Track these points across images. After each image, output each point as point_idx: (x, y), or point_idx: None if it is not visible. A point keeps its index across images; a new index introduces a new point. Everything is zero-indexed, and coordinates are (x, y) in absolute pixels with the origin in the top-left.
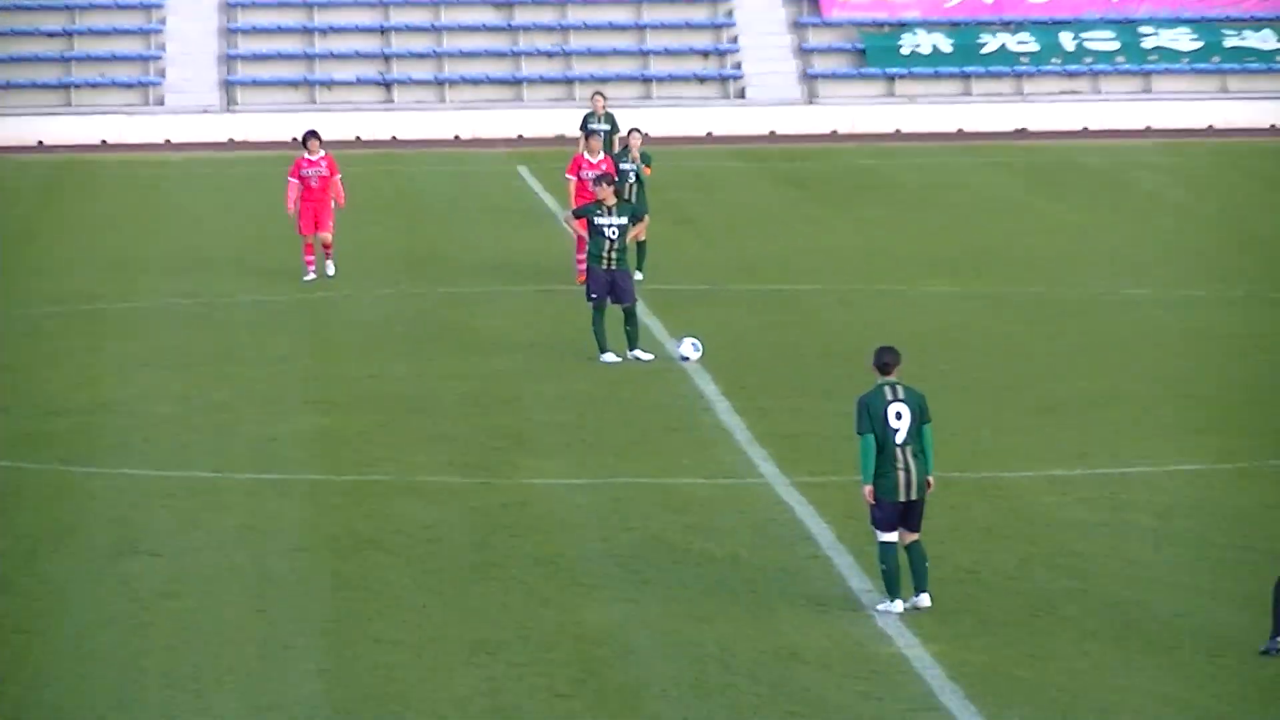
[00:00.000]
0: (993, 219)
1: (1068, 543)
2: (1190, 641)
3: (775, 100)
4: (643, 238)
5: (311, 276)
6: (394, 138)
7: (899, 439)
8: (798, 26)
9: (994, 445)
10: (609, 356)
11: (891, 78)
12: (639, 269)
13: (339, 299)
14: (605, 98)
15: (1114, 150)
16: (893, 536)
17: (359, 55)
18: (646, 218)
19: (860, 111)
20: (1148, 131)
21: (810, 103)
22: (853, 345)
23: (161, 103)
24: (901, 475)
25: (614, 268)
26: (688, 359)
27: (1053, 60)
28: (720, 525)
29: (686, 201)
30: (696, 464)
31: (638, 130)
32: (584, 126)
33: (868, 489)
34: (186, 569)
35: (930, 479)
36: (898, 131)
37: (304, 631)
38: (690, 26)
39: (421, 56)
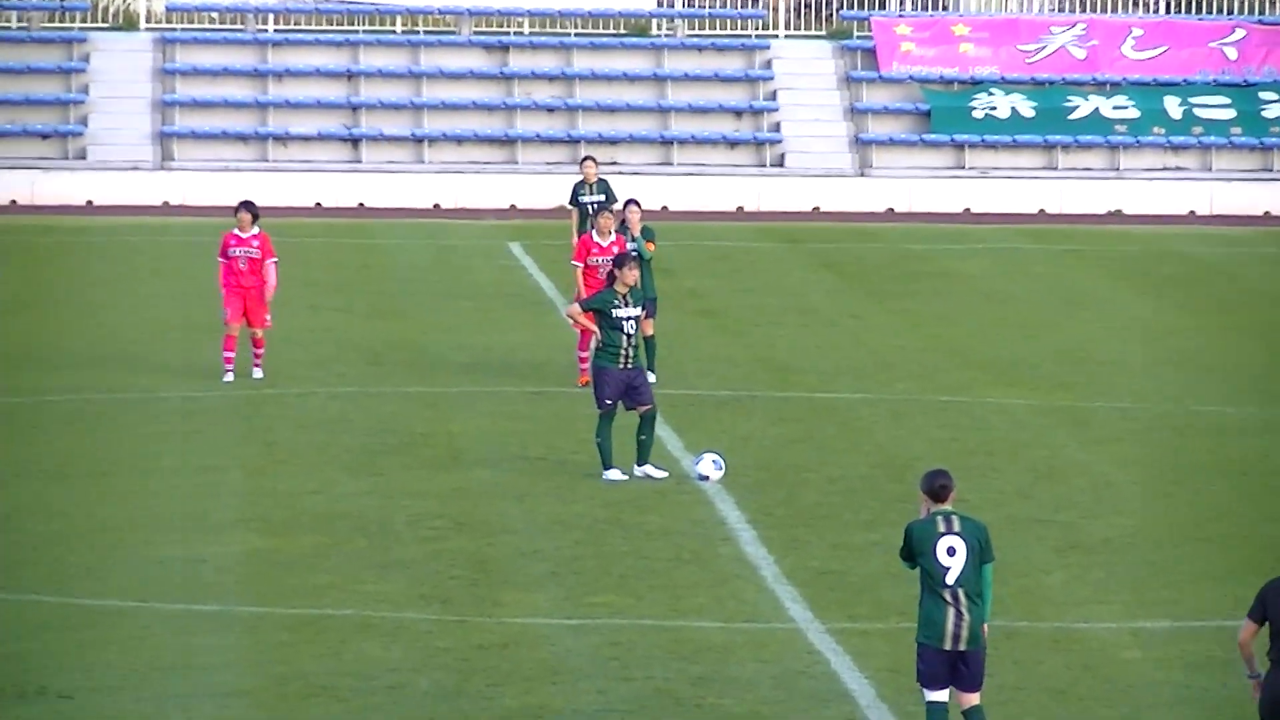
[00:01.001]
0: (1075, 318)
1: (1155, 711)
2: None
3: (820, 170)
4: (649, 332)
5: (229, 378)
6: (361, 204)
7: (950, 578)
8: (850, 82)
9: (1068, 589)
10: (614, 474)
11: (961, 146)
12: (651, 369)
13: (286, 397)
14: (597, 163)
15: (1225, 239)
16: (942, 695)
17: (321, 105)
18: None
19: (922, 186)
20: (1266, 217)
21: (862, 174)
22: (903, 464)
23: (83, 156)
24: (951, 620)
25: (631, 366)
26: (707, 478)
27: (1155, 130)
28: (739, 676)
29: (709, 289)
30: (712, 603)
31: (635, 202)
32: (574, 199)
33: None
34: (103, 714)
35: (985, 627)
36: (966, 211)
37: None
38: (720, 79)
39: (396, 108)
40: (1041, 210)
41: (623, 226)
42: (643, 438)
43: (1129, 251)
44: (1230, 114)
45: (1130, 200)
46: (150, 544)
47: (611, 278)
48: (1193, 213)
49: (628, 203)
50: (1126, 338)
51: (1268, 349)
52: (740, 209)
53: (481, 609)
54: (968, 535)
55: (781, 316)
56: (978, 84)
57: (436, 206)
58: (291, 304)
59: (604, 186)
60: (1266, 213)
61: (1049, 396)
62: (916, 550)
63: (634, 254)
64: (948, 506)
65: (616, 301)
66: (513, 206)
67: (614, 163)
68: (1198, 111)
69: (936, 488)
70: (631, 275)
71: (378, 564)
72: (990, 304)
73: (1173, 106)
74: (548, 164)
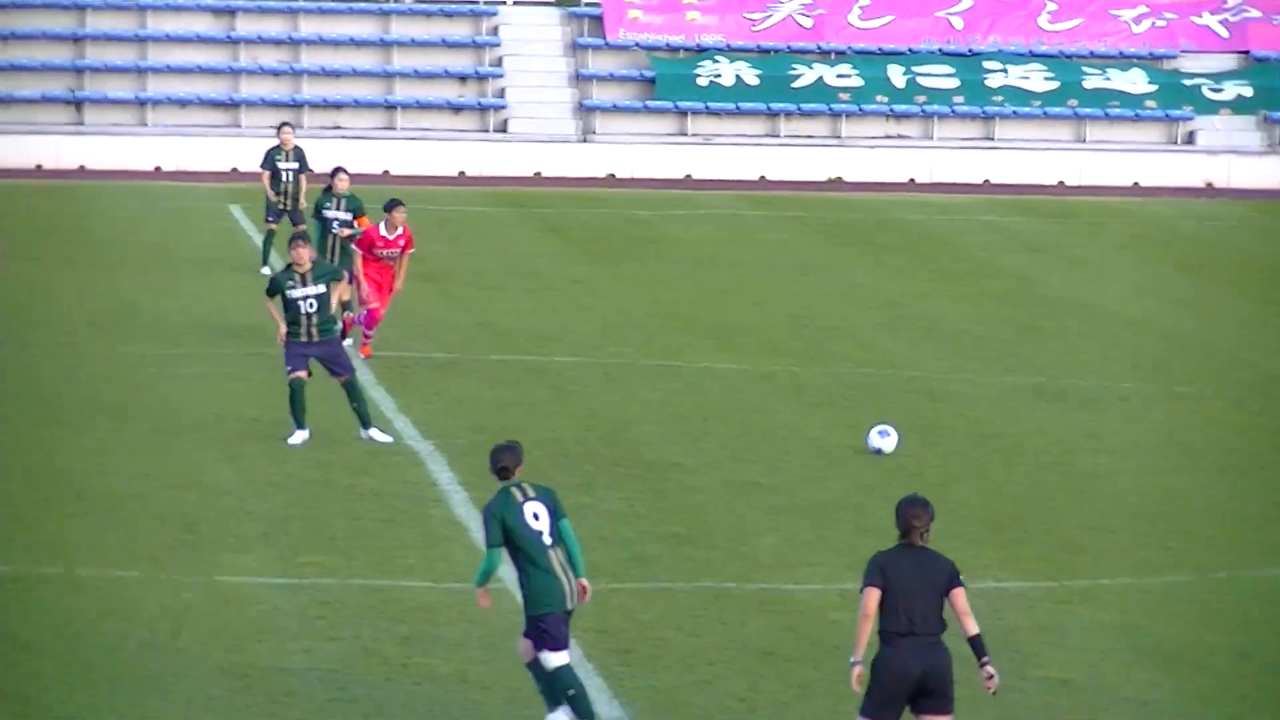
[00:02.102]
0: (796, 284)
1: None
2: None
3: (544, 136)
4: (346, 298)
5: None
6: (83, 167)
7: (547, 540)
8: (576, 49)
9: (778, 552)
10: (298, 437)
11: (685, 113)
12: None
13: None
14: (295, 128)
15: (945, 206)
16: (567, 656)
17: (45, 68)
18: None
19: (645, 152)
20: (986, 185)
21: (585, 140)
22: (617, 428)
23: None
24: (565, 581)
25: (318, 340)
26: (881, 451)
27: (878, 98)
28: (446, 637)
29: (431, 254)
30: (422, 564)
31: (344, 170)
32: (268, 164)
33: (482, 594)
34: None
35: (584, 584)
36: (688, 177)
37: None
38: (446, 45)
39: (120, 71)
40: (763, 177)
41: (328, 193)
42: (355, 405)
43: (850, 218)
44: (954, 83)
45: (852, 168)
46: None
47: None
48: (913, 180)
49: (336, 171)
50: (847, 304)
51: (984, 315)
52: (463, 174)
53: (191, 568)
54: (544, 498)
55: (504, 281)
56: (703, 51)
57: (158, 169)
58: (9, 263)
59: (299, 154)
60: (987, 180)
61: (767, 361)
62: (509, 526)
63: (303, 234)
64: (516, 478)
65: (291, 283)
66: (235, 170)
67: (338, 127)
68: (921, 80)
69: (503, 466)
70: (300, 255)
71: (89, 522)
72: (712, 269)
73: (896, 75)
74: (272, 128)
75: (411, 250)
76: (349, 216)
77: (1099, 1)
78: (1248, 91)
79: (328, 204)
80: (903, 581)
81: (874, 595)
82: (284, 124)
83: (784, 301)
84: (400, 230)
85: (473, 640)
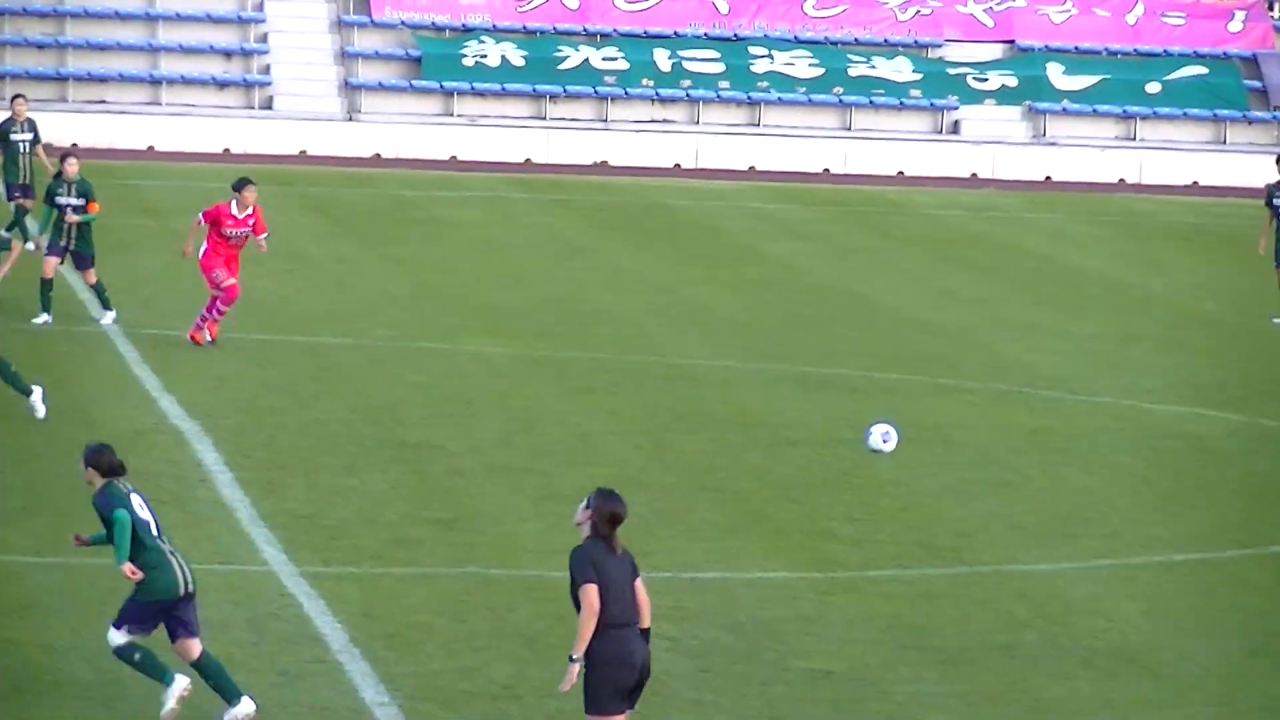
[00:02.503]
0: (562, 268)
1: None
2: None
3: (309, 114)
4: (91, 281)
5: None
6: None
7: (156, 529)
8: (341, 26)
9: (544, 538)
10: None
11: (450, 93)
12: (108, 308)
13: None
14: (27, 100)
15: (710, 192)
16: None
17: None
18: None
19: (410, 132)
20: (751, 172)
21: (350, 119)
22: (381, 409)
23: None
24: (178, 568)
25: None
26: (879, 451)
27: (644, 81)
28: (211, 619)
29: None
30: (188, 545)
31: (74, 155)
32: (2, 136)
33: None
34: None
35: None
36: (454, 158)
37: None
38: (211, 20)
39: None
40: (529, 159)
41: (58, 179)
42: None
43: (616, 202)
44: (719, 68)
45: (617, 152)
46: None
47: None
48: (678, 165)
49: (65, 155)
50: (612, 288)
51: (748, 302)
52: (228, 151)
53: None
54: (141, 491)
55: (269, 260)
56: (469, 31)
57: None
58: None
59: (31, 125)
60: (752, 167)
61: (532, 345)
62: (130, 515)
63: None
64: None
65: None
66: None
67: (103, 102)
68: (687, 65)
69: (106, 463)
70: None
71: None
72: (479, 252)
73: (662, 59)
74: (37, 100)
75: (264, 233)
76: (80, 202)
77: None
78: (1012, 81)
79: (59, 190)
80: (612, 573)
81: (595, 590)
82: (17, 96)
83: (550, 285)
84: (250, 210)
85: (238, 622)
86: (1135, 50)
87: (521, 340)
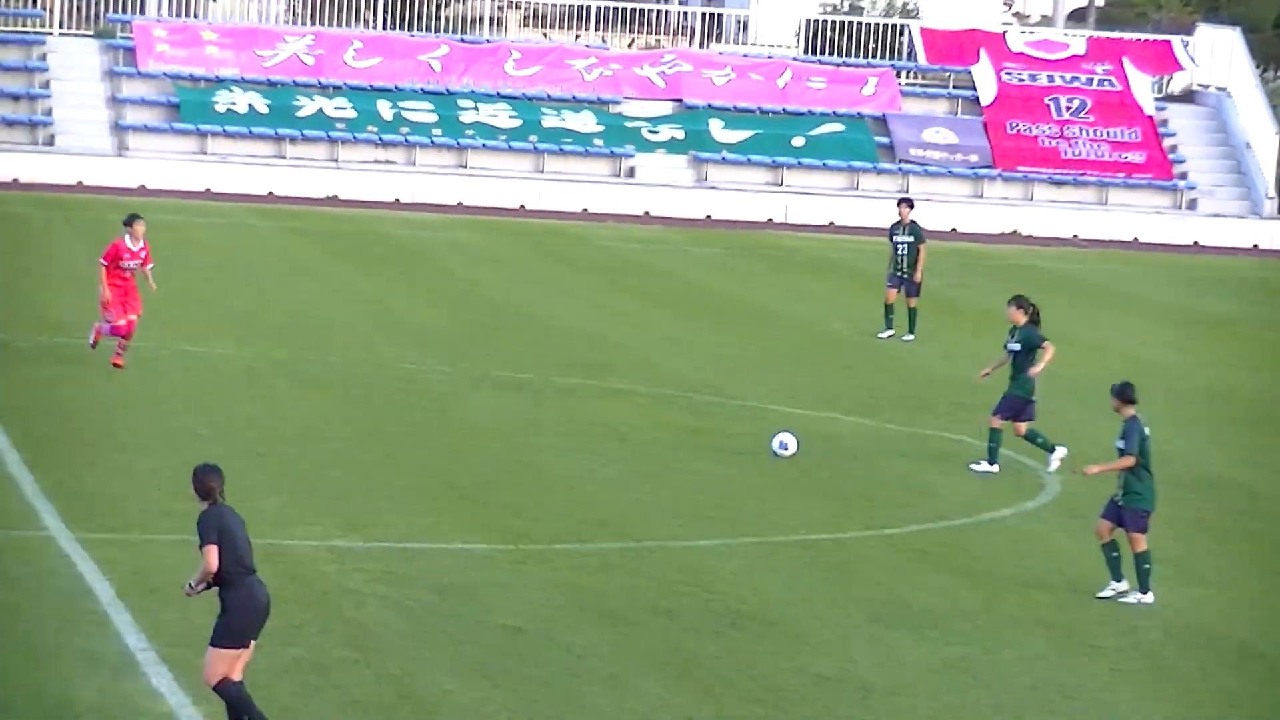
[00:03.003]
0: (296, 286)
1: (344, 612)
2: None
3: (85, 150)
4: None
5: None
6: None
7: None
8: (112, 76)
9: (282, 512)
10: None
11: (205, 134)
12: None
13: None
14: None
15: (424, 224)
16: None
17: None
18: None
19: (171, 167)
20: (460, 207)
21: (120, 155)
22: (146, 402)
23: None
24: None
25: None
26: (779, 456)
27: (369, 128)
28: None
29: None
30: None
31: None
32: None
33: None
34: None
35: None
36: (208, 190)
37: None
38: (2, 68)
39: None
40: (271, 192)
41: None
42: None
43: (345, 231)
44: (433, 118)
45: (347, 188)
46: None
47: None
48: (398, 200)
49: None
50: (341, 303)
51: (453, 316)
52: (16, 180)
53: None
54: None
55: (47, 274)
56: (220, 82)
57: None
58: None
59: None
60: (460, 203)
61: (271, 349)
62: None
63: None
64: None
65: None
66: None
67: None
68: (406, 114)
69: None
70: None
71: None
72: (228, 270)
73: (385, 109)
74: None
75: (151, 265)
76: None
77: (556, 52)
78: (679, 134)
79: None
80: (235, 531)
81: (215, 550)
82: None
83: (287, 300)
84: (142, 244)
85: (27, 579)
86: (784, 109)
87: (263, 344)
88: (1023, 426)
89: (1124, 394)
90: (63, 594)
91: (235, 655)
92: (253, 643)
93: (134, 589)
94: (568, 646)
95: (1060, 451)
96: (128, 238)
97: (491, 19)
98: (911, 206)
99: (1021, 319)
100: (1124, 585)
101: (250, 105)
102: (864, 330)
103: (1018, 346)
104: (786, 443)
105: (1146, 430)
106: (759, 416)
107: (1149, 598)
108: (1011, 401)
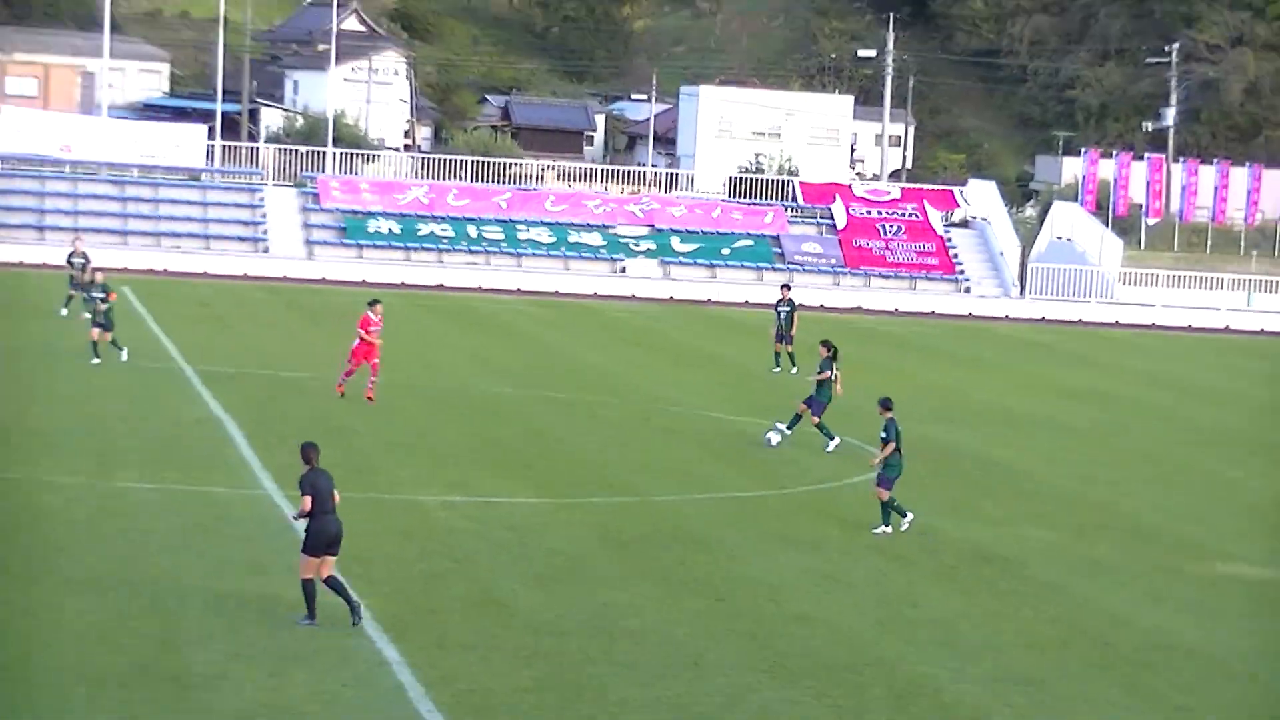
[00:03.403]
0: (420, 339)
1: (451, 540)
2: None
3: (287, 255)
4: None
5: None
6: None
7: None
8: (304, 210)
9: (412, 479)
10: None
11: (361, 246)
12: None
13: None
14: None
15: (497, 301)
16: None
17: None
18: None
19: (341, 266)
20: (518, 291)
21: (309, 259)
22: (331, 413)
23: None
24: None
25: None
26: (768, 442)
27: (462, 243)
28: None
29: None
30: None
31: None
32: None
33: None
34: None
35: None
36: (364, 281)
37: None
38: (238, 206)
39: None
40: (403, 282)
41: None
42: None
43: (448, 306)
44: (500, 236)
45: (449, 279)
46: None
47: None
48: (480, 287)
49: None
50: (444, 350)
51: (516, 356)
52: (245, 274)
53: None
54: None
55: (266, 331)
56: (370, 214)
57: None
58: None
59: None
60: (518, 288)
61: (398, 378)
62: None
63: None
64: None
65: None
66: None
67: None
68: (485, 234)
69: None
70: None
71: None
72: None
73: (471, 231)
74: None
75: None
76: None
77: (576, 196)
78: (653, 246)
79: None
80: (320, 486)
81: (309, 500)
82: None
83: (413, 348)
84: (380, 316)
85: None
86: (717, 231)
87: (395, 374)
88: (816, 419)
89: (885, 404)
90: (272, 526)
91: (316, 562)
92: (330, 556)
93: (378, 575)
94: (593, 565)
95: (836, 441)
96: (371, 312)
97: (537, 175)
98: (789, 289)
99: (824, 353)
100: (910, 516)
101: (389, 228)
102: (762, 366)
103: (822, 371)
104: (771, 438)
105: (899, 427)
106: (701, 417)
107: (889, 529)
108: (819, 404)
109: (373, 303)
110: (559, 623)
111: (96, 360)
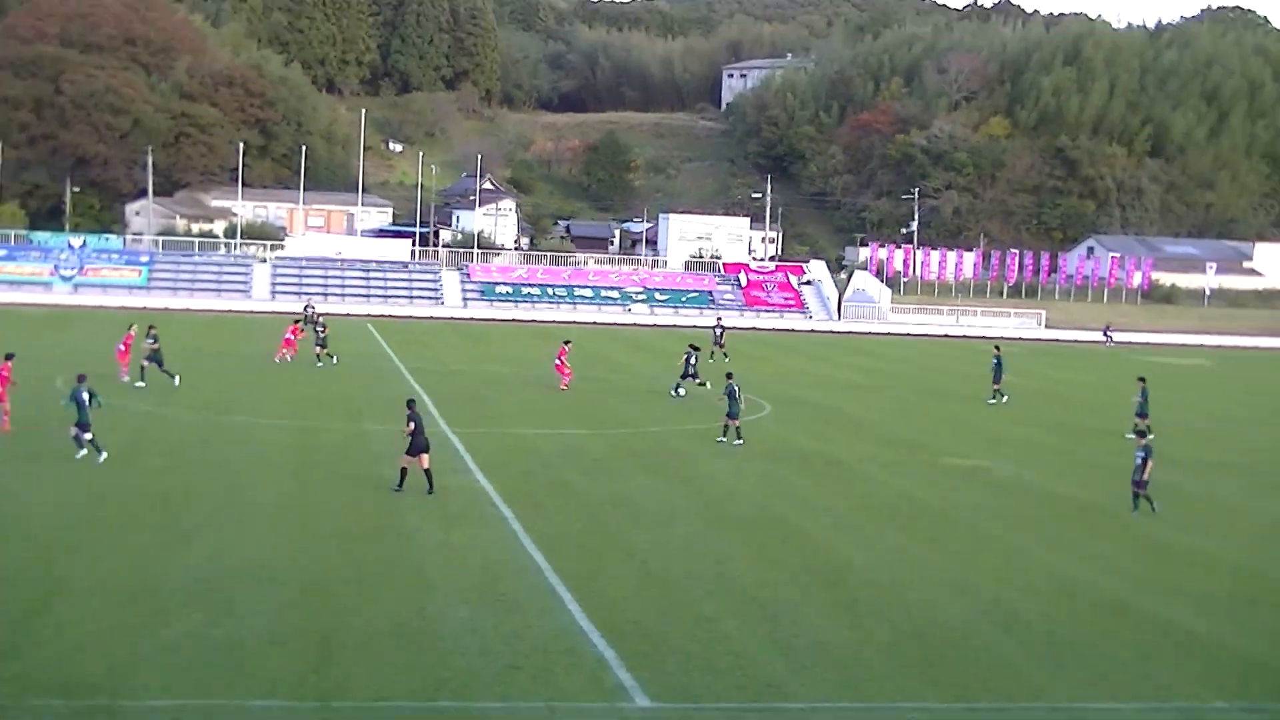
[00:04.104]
0: (532, 352)
1: (549, 462)
2: None
3: (453, 304)
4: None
5: None
6: None
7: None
8: (461, 280)
9: (537, 424)
10: None
11: (493, 301)
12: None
13: None
14: None
15: (559, 329)
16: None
17: None
18: None
19: (484, 311)
20: (572, 324)
21: (465, 306)
22: (533, 399)
23: None
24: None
25: None
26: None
27: (548, 296)
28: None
29: None
30: None
31: None
32: None
33: None
34: None
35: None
36: (492, 319)
37: None
38: (420, 285)
39: None
40: (514, 319)
41: None
42: None
43: (535, 331)
44: (565, 293)
45: (534, 317)
46: None
47: None
48: (554, 321)
49: None
50: (546, 359)
51: (580, 359)
52: (431, 317)
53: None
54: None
55: (447, 352)
56: (499, 283)
57: None
58: None
59: None
60: (573, 321)
61: (520, 369)
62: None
63: None
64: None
65: None
66: None
67: None
68: (550, 290)
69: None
70: None
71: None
72: (514, 353)
73: (549, 292)
74: None
75: (569, 350)
76: None
77: (607, 272)
78: (644, 297)
79: None
80: (417, 421)
81: (411, 426)
82: None
83: (525, 357)
84: (566, 347)
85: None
86: (677, 290)
87: (510, 367)
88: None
89: (728, 375)
90: (460, 467)
91: (413, 460)
92: (424, 455)
93: (490, 465)
94: (616, 465)
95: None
96: (567, 346)
97: (583, 261)
98: (720, 318)
99: (691, 350)
100: (740, 441)
101: (506, 290)
102: (704, 355)
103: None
104: (678, 393)
105: (737, 388)
106: (651, 390)
107: (741, 443)
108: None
109: (567, 340)
110: (597, 497)
111: (319, 365)
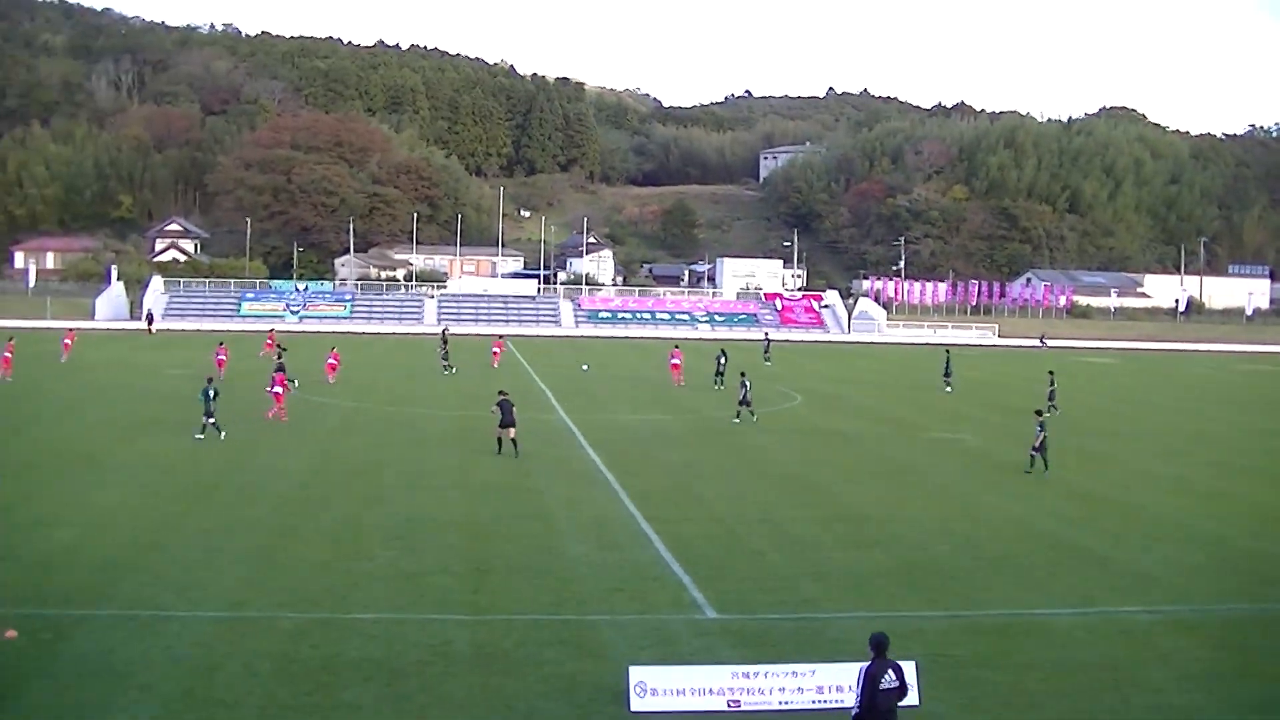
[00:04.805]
0: (600, 357)
1: (607, 439)
2: None
3: (567, 325)
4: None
5: None
6: None
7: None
8: (574, 306)
9: (615, 409)
10: None
11: (595, 322)
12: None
13: None
14: None
15: (619, 343)
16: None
17: None
18: None
19: (587, 330)
20: (629, 339)
21: (576, 326)
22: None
23: None
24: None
25: None
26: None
27: (626, 317)
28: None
29: None
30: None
31: None
32: None
33: None
34: None
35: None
36: (592, 336)
37: None
38: (535, 313)
39: None
40: (597, 335)
41: None
42: None
43: (592, 344)
44: (649, 316)
45: (613, 332)
46: None
47: None
48: (627, 337)
49: None
50: (622, 363)
51: (639, 363)
52: (539, 336)
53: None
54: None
55: (554, 369)
56: (599, 309)
57: None
58: None
59: None
60: (633, 337)
61: (599, 365)
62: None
63: None
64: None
65: None
66: None
67: None
68: (629, 313)
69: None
70: None
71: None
72: (605, 362)
73: (629, 314)
74: None
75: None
76: None
77: (674, 301)
78: (706, 319)
79: None
80: (505, 404)
81: (499, 409)
82: None
83: (606, 360)
84: (676, 355)
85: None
86: (733, 313)
87: (588, 360)
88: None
89: (742, 373)
90: (567, 440)
91: (503, 431)
92: (511, 429)
93: (596, 441)
94: (686, 440)
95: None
96: (677, 349)
97: (663, 293)
98: (768, 334)
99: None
100: (743, 420)
101: (606, 314)
102: (756, 360)
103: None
104: (584, 368)
105: (749, 383)
106: (708, 387)
107: (755, 419)
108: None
109: (675, 347)
110: (675, 463)
111: (445, 373)
